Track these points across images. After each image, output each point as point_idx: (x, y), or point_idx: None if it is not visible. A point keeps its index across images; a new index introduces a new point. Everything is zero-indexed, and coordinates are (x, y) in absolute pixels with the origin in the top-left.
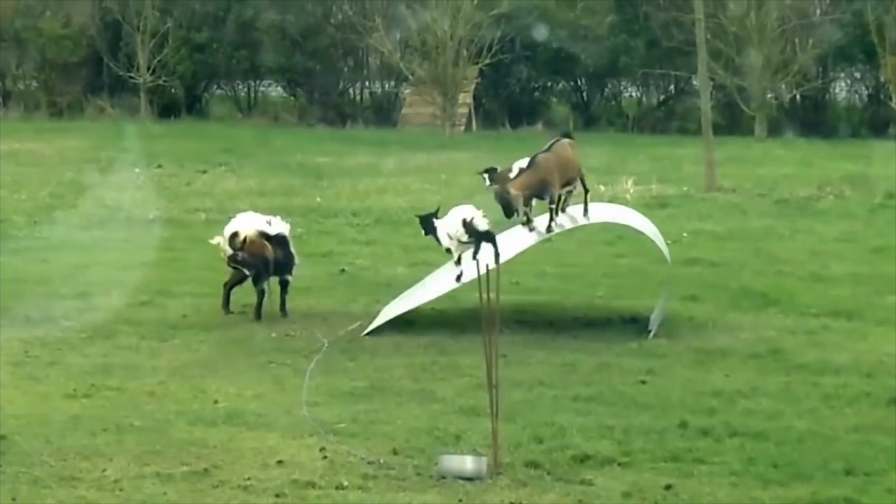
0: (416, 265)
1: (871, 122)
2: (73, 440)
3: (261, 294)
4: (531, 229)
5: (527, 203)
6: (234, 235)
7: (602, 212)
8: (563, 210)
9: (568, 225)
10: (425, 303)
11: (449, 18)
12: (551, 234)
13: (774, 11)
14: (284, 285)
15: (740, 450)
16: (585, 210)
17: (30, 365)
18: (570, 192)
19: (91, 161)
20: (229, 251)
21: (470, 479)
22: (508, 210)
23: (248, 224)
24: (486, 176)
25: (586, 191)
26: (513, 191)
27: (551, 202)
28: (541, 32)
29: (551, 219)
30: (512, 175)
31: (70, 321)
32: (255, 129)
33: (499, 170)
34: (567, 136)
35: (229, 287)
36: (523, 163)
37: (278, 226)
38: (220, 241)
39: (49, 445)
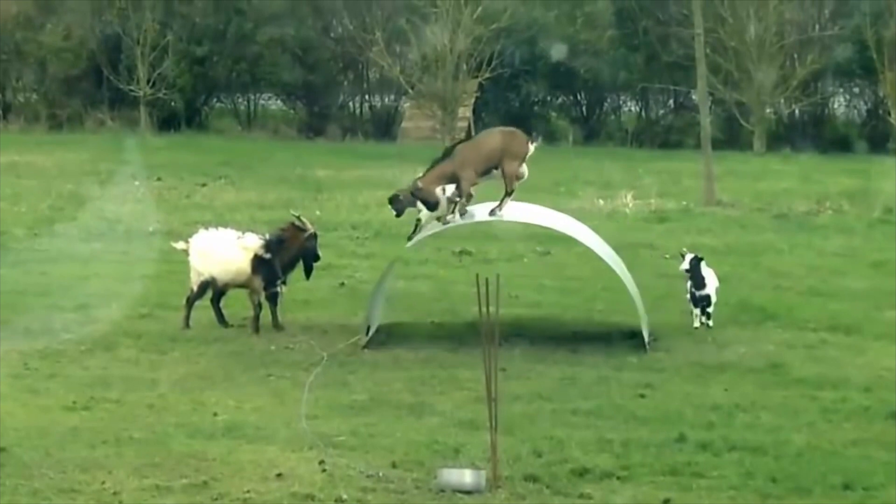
0: (415, 279)
1: (869, 136)
2: (72, 452)
3: (258, 307)
4: (463, 214)
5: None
6: None
7: (522, 212)
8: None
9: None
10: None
11: (449, 32)
12: (449, 224)
13: (774, 27)
14: (274, 298)
15: (739, 464)
16: (498, 208)
17: (29, 377)
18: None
19: (91, 174)
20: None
21: (469, 492)
22: (428, 204)
23: (217, 239)
24: (392, 208)
25: (507, 193)
26: (420, 184)
27: (460, 193)
28: (540, 47)
29: (452, 210)
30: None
31: (70, 333)
32: (254, 142)
33: (400, 196)
34: (527, 132)
35: (191, 301)
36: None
37: (253, 240)
38: (184, 245)
39: (48, 458)
